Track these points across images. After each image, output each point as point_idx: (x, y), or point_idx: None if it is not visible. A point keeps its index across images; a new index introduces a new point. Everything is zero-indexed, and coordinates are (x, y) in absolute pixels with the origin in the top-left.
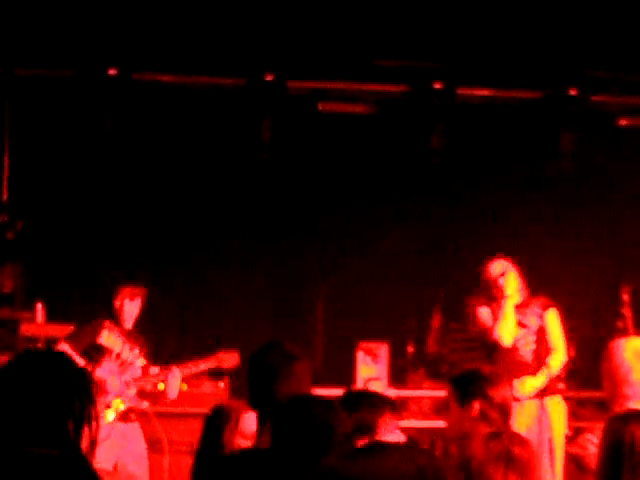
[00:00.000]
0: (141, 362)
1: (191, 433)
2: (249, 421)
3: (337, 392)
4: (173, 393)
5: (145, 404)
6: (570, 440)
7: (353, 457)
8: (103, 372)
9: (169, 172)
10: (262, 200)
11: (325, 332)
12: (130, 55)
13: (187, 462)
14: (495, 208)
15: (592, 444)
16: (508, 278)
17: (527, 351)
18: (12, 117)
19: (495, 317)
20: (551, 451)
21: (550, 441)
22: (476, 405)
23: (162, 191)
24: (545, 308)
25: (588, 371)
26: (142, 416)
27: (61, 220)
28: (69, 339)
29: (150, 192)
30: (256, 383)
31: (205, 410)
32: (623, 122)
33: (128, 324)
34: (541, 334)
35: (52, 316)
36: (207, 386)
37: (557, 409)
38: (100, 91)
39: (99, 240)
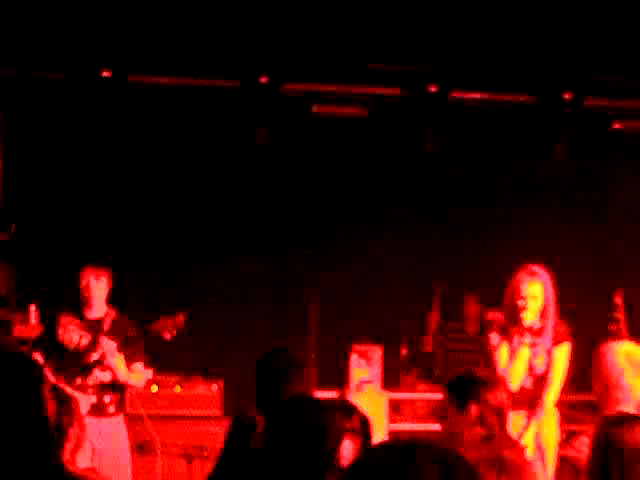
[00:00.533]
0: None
1: (183, 435)
2: None
3: (331, 394)
4: (120, 375)
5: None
6: (564, 443)
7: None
8: (55, 370)
9: (163, 175)
10: (257, 202)
11: (319, 334)
12: (124, 57)
13: (179, 464)
14: (489, 211)
15: (587, 447)
16: (536, 303)
17: (520, 386)
18: (6, 119)
19: (509, 350)
20: (542, 456)
21: (541, 446)
22: (473, 409)
23: (157, 194)
24: (558, 342)
25: (581, 374)
26: (134, 418)
27: (55, 222)
28: (35, 345)
29: (144, 195)
30: (263, 386)
31: (197, 412)
32: (617, 126)
33: (92, 306)
34: (544, 374)
35: (45, 318)
36: (200, 388)
37: (549, 414)
38: (93, 93)
39: (93, 242)
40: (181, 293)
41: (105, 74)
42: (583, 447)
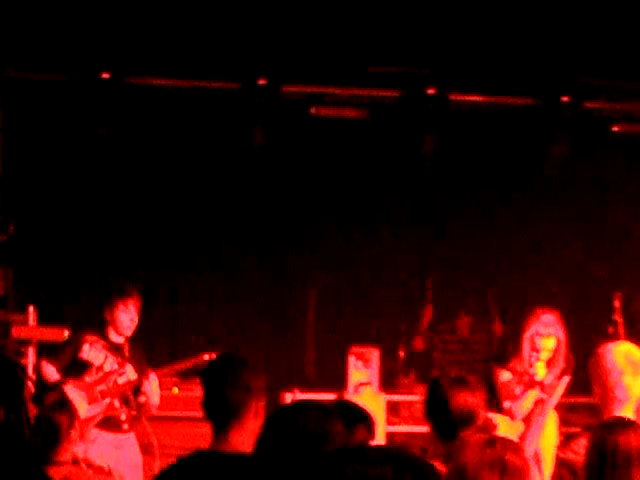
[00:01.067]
0: (130, 373)
1: (182, 436)
2: None
3: (329, 397)
4: (154, 399)
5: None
6: (562, 445)
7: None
8: (76, 387)
9: (161, 176)
10: (254, 204)
11: (316, 337)
12: (124, 59)
13: None
14: (487, 213)
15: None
16: (548, 354)
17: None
18: (5, 121)
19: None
20: (538, 460)
21: (537, 450)
22: None
23: (155, 195)
24: (559, 377)
25: (579, 377)
26: (133, 420)
27: (54, 223)
28: (50, 357)
29: (142, 196)
30: (209, 390)
31: (196, 414)
32: (616, 129)
33: (121, 336)
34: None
35: (44, 319)
36: (198, 390)
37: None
38: (93, 95)
39: (91, 243)
40: (176, 292)
41: (105, 76)
42: (581, 450)
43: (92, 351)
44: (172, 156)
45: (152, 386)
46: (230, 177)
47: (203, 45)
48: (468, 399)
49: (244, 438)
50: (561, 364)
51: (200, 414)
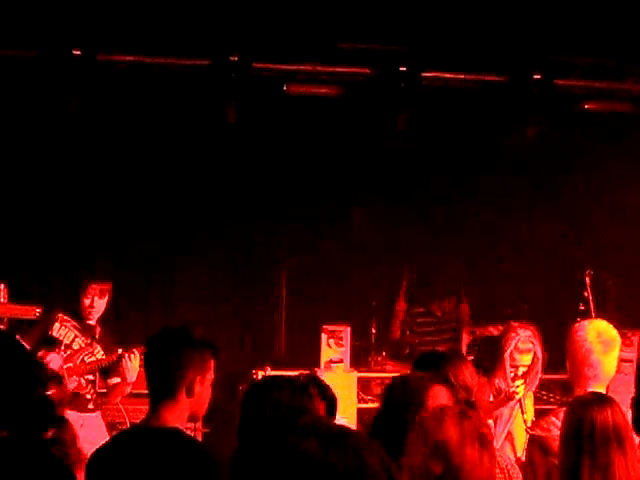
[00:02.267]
0: (97, 352)
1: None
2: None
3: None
4: (131, 375)
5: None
6: (532, 422)
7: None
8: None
9: (132, 154)
10: (226, 183)
11: (288, 315)
12: (94, 35)
13: None
14: (459, 191)
15: (555, 427)
16: (525, 370)
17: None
18: None
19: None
20: (512, 437)
21: (510, 429)
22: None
23: (125, 173)
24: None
25: (551, 354)
26: (99, 398)
27: (24, 202)
28: (21, 334)
29: (113, 174)
30: (145, 367)
31: None
32: (588, 106)
33: (92, 319)
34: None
35: (15, 297)
36: None
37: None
38: (64, 71)
39: (62, 222)
40: (146, 272)
41: (75, 52)
42: (551, 426)
43: (62, 329)
44: (143, 134)
45: (133, 363)
46: (203, 155)
47: (175, 22)
48: None
49: (176, 414)
50: (535, 381)
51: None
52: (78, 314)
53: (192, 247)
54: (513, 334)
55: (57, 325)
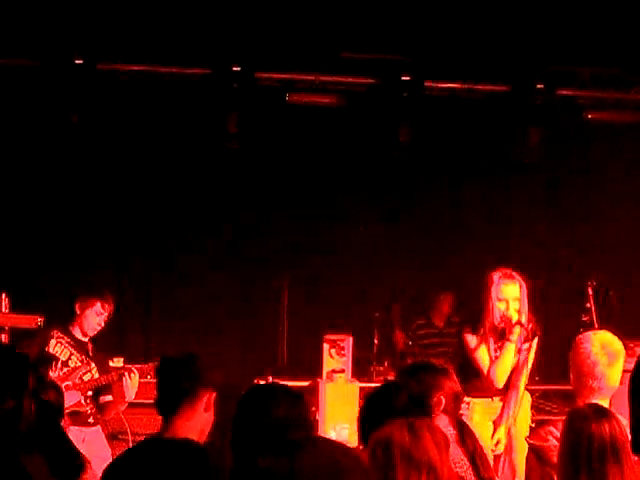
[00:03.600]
0: (94, 371)
1: (154, 423)
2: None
3: (303, 384)
4: (130, 394)
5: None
6: (532, 431)
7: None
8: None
9: (134, 163)
10: (228, 192)
11: (291, 324)
12: (96, 45)
13: None
14: (462, 201)
15: (553, 436)
16: (515, 304)
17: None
18: None
19: (488, 350)
20: (511, 438)
21: (511, 431)
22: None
23: (126, 182)
24: (529, 339)
25: (552, 365)
26: (104, 406)
27: (26, 210)
28: (20, 350)
29: (114, 183)
30: (162, 380)
31: None
32: (591, 116)
33: (89, 334)
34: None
35: (17, 306)
36: None
37: (523, 398)
38: (66, 81)
39: (64, 231)
40: (147, 278)
41: (77, 62)
42: (548, 436)
43: (57, 346)
44: (145, 143)
45: (133, 381)
46: (205, 164)
47: (177, 31)
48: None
49: (190, 427)
50: (526, 313)
51: None
52: (70, 330)
53: (194, 254)
54: (492, 275)
55: (53, 342)
